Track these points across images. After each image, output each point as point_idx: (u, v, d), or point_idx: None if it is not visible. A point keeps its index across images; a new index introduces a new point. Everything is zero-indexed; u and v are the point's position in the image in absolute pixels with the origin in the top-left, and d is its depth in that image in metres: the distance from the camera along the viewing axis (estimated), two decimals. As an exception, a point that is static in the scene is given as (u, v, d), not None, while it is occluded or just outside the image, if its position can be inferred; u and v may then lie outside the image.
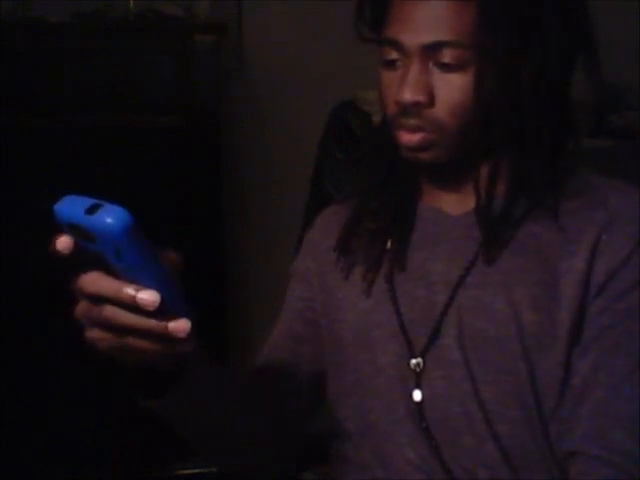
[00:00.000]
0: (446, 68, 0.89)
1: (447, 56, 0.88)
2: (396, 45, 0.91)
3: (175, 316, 0.66)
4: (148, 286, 0.64)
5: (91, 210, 0.62)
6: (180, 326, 0.66)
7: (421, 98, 0.89)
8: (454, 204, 0.98)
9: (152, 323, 0.66)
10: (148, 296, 0.64)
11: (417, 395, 0.93)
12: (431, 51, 0.89)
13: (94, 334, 0.69)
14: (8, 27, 2.10)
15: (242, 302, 2.57)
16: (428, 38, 0.88)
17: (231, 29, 2.36)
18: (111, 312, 0.66)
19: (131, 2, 2.21)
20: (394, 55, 0.92)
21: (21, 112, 2.14)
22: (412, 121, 0.91)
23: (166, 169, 2.23)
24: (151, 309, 0.64)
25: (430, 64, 0.89)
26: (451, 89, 0.89)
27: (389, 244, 0.99)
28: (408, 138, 0.92)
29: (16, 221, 2.16)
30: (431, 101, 0.90)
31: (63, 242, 0.65)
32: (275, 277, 2.02)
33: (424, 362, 0.93)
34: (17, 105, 2.13)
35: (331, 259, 1.04)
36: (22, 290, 2.20)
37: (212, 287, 2.23)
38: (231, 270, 2.41)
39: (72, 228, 0.64)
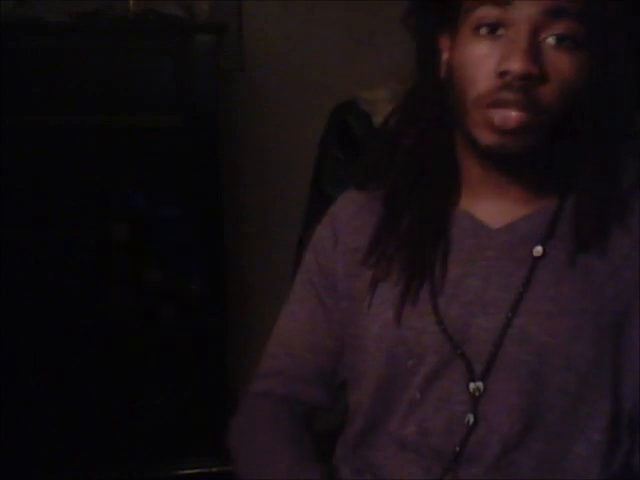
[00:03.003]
0: (560, 43, 0.80)
1: (564, 27, 0.79)
2: (507, 5, 0.80)
3: None
4: None
5: None
6: None
7: (535, 70, 0.79)
8: (494, 214, 0.91)
9: None
10: None
11: (470, 419, 0.87)
12: (549, 18, 0.79)
13: None
14: (8, 27, 2.10)
15: (242, 302, 2.57)
16: (550, 1, 0.79)
17: (231, 29, 2.35)
18: None
19: (131, 2, 2.20)
20: (494, 17, 0.81)
21: (21, 112, 2.14)
22: (515, 97, 0.80)
23: (166, 169, 2.23)
24: None
25: (542, 36, 0.80)
26: (565, 67, 0.80)
27: (423, 256, 0.91)
28: (505, 117, 0.81)
29: (16, 221, 2.16)
30: (544, 77, 0.80)
31: None
32: (275, 277, 2.02)
33: (484, 387, 0.87)
34: (17, 105, 2.13)
35: (357, 260, 0.97)
36: (22, 290, 2.20)
37: (212, 287, 2.24)
38: (231, 270, 2.41)
39: None
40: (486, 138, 0.83)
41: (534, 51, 0.79)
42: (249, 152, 2.59)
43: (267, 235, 2.64)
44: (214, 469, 1.46)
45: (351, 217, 1.01)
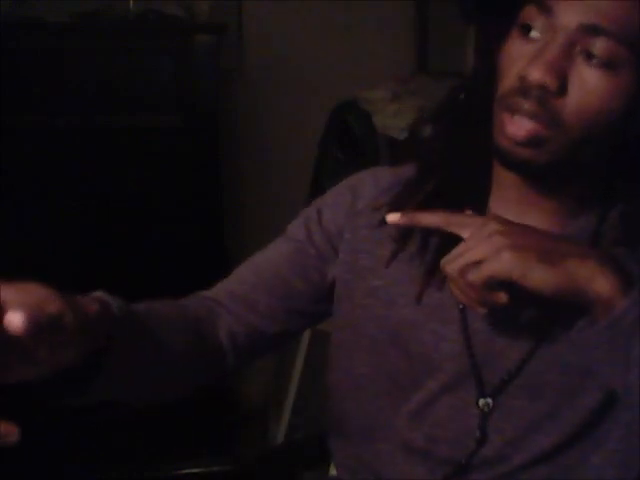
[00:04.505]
0: (593, 60, 0.77)
1: (601, 46, 0.76)
2: (547, 12, 0.78)
3: None
4: None
5: None
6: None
7: (553, 82, 0.76)
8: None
9: None
10: None
11: (477, 435, 0.87)
12: (587, 34, 0.76)
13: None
14: (8, 27, 2.10)
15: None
16: (590, 18, 0.76)
17: (231, 29, 2.36)
18: None
19: (131, 2, 2.21)
20: (536, 22, 0.79)
21: (21, 112, 2.14)
22: (529, 105, 0.78)
23: (166, 169, 2.23)
24: None
25: (577, 49, 0.77)
26: (592, 85, 0.77)
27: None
28: (516, 127, 0.79)
29: (16, 221, 2.16)
30: (562, 90, 0.77)
31: None
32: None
33: (493, 403, 0.86)
34: (17, 105, 2.13)
35: (373, 237, 0.94)
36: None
37: (212, 287, 2.23)
38: (231, 270, 2.41)
39: None
40: (499, 141, 0.82)
41: (560, 63, 0.77)
42: (249, 152, 2.59)
43: (267, 235, 2.63)
44: (214, 469, 1.46)
45: (379, 193, 0.97)
